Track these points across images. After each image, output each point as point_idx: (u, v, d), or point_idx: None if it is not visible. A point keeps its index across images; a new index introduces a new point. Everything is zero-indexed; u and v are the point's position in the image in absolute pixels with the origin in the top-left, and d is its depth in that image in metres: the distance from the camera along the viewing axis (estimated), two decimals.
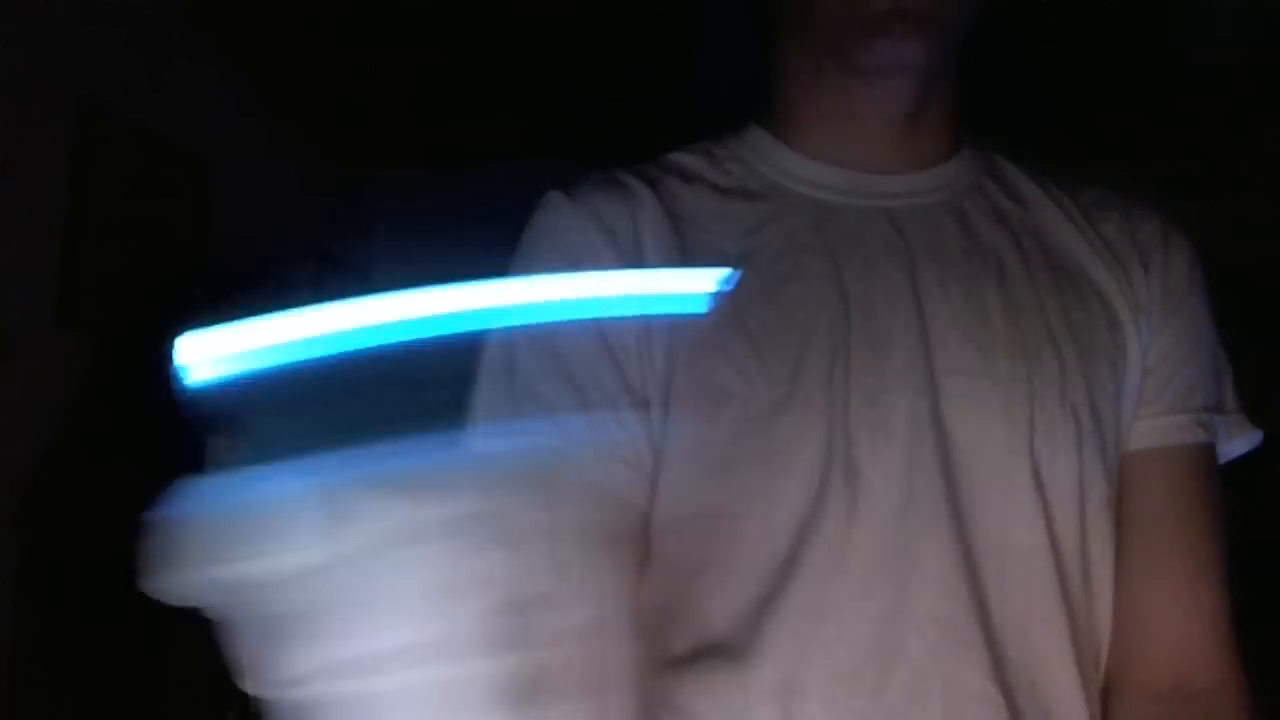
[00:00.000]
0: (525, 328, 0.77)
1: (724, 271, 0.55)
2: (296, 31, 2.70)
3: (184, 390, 0.46)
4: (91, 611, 2.28)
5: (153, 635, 2.49)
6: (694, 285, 0.54)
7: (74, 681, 2.23)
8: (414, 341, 0.48)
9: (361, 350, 0.47)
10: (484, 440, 0.49)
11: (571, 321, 0.76)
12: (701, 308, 0.52)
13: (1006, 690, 0.71)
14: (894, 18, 0.74)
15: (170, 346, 0.45)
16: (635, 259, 0.76)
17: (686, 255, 0.77)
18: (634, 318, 0.75)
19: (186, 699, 2.53)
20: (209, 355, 0.46)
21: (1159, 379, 0.79)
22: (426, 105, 3.16)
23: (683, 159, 0.84)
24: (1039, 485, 0.74)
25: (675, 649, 0.71)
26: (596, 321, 0.75)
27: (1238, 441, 0.81)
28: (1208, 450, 0.80)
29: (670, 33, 2.50)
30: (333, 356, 0.48)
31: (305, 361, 0.47)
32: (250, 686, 0.43)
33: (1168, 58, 2.63)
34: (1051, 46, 2.61)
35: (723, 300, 0.76)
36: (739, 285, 0.75)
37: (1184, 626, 0.76)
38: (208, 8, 2.59)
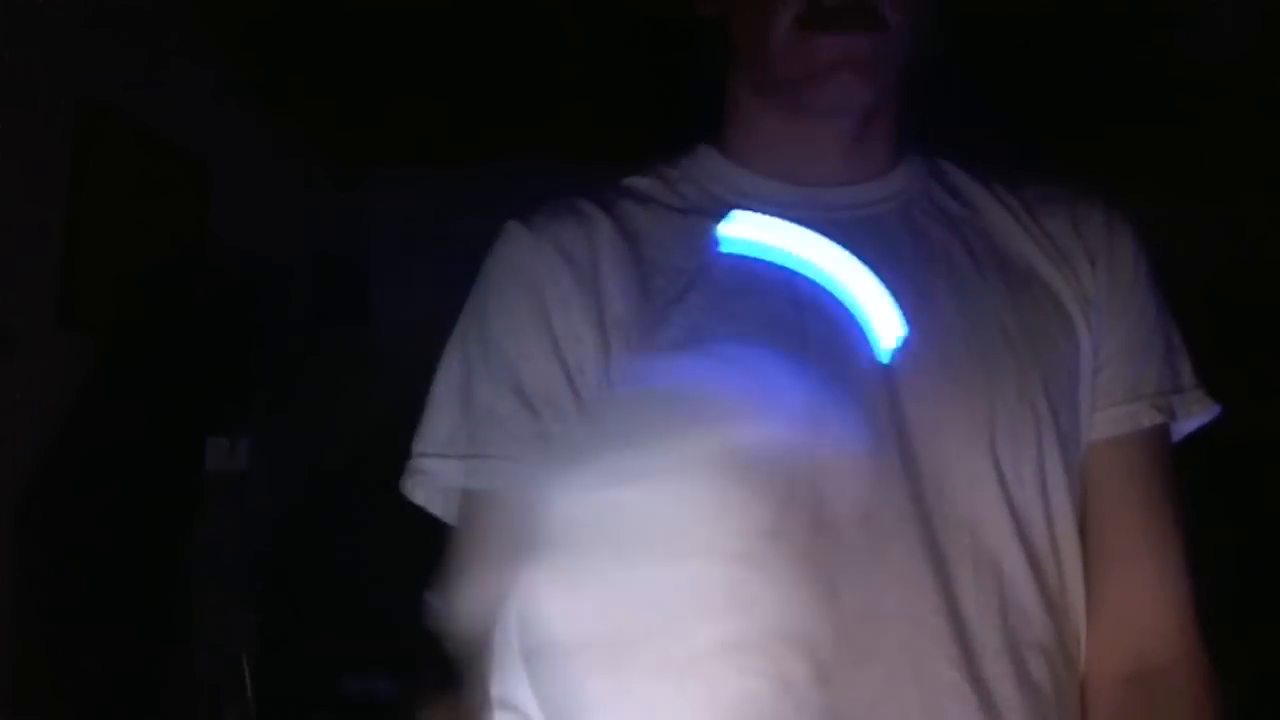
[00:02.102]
0: (483, 349, 0.78)
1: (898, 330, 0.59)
2: (296, 31, 2.70)
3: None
4: (91, 611, 2.28)
5: (153, 635, 2.50)
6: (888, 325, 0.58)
7: (74, 681, 2.23)
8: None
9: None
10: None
11: (531, 345, 0.77)
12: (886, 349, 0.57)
13: (981, 681, 0.72)
14: (842, 66, 0.75)
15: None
16: (592, 282, 0.78)
17: (644, 276, 0.78)
18: (592, 343, 0.76)
19: (186, 699, 2.53)
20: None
21: (1114, 370, 0.80)
22: (427, 105, 3.16)
23: (637, 182, 0.86)
24: (1001, 480, 0.75)
25: None
26: (556, 345, 0.76)
27: (1198, 416, 0.82)
28: (1163, 432, 0.82)
29: (667, 33, 2.50)
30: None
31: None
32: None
33: (1167, 58, 2.63)
34: (1049, 49, 2.61)
35: (679, 317, 0.77)
36: (696, 303, 0.76)
37: (1145, 609, 0.78)
38: (208, 8, 2.60)
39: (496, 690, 0.48)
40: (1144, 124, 2.85)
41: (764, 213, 0.81)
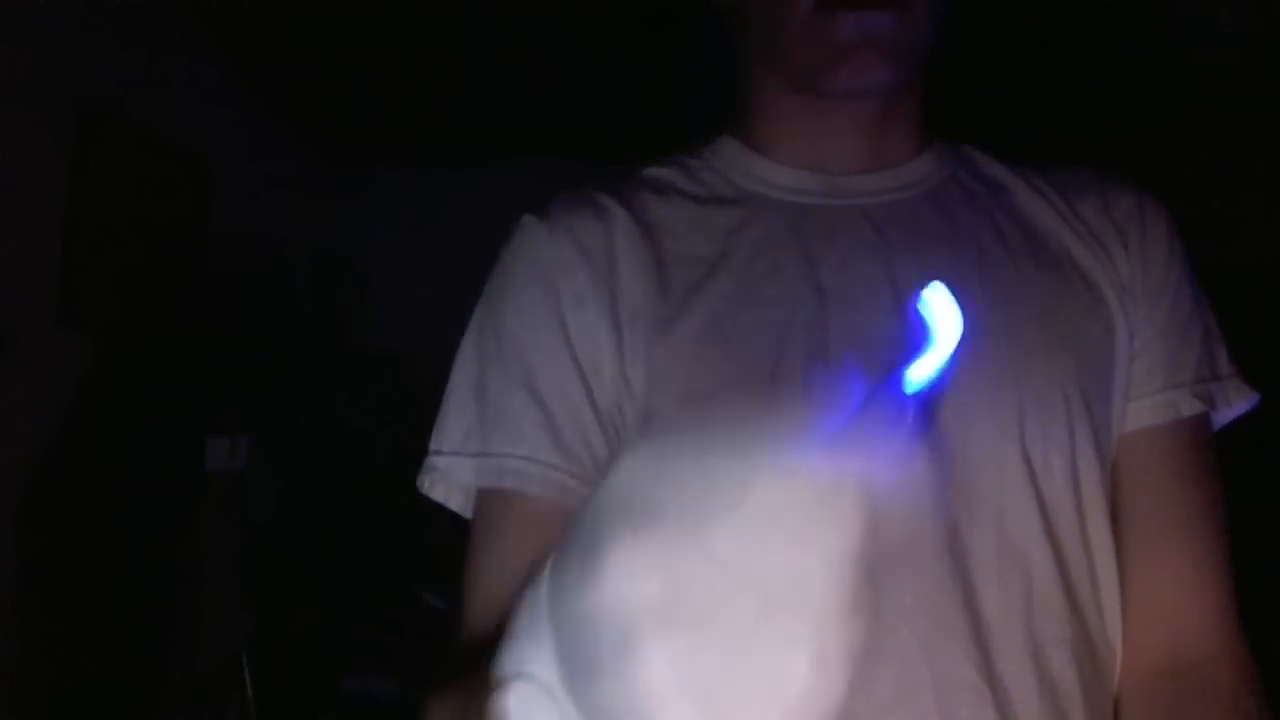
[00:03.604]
0: (497, 345, 0.78)
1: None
2: (296, 31, 2.70)
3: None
4: (91, 611, 2.28)
5: (153, 635, 2.50)
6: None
7: (74, 680, 2.23)
8: None
9: None
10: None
11: (545, 342, 0.76)
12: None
13: (997, 680, 0.71)
14: (863, 45, 0.74)
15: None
16: (608, 277, 0.77)
17: (661, 265, 0.77)
18: (607, 339, 0.75)
19: (187, 699, 2.53)
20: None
21: (1151, 356, 0.78)
22: (426, 105, 3.16)
23: (656, 171, 0.84)
24: (1030, 471, 0.73)
25: None
26: (570, 342, 0.75)
27: (1237, 405, 0.81)
28: (1204, 420, 0.79)
29: (666, 31, 2.50)
30: None
31: None
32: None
33: (1171, 56, 2.63)
34: (1053, 46, 2.61)
35: (698, 306, 0.76)
36: (715, 290, 0.75)
37: (1185, 602, 0.76)
38: (208, 8, 2.60)
39: (510, 662, 0.48)
40: (1143, 124, 2.85)
41: (787, 200, 0.80)
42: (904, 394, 0.51)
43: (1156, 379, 0.78)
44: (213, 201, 2.79)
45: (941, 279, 0.78)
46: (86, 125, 2.29)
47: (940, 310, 0.54)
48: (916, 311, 0.53)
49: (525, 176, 2.25)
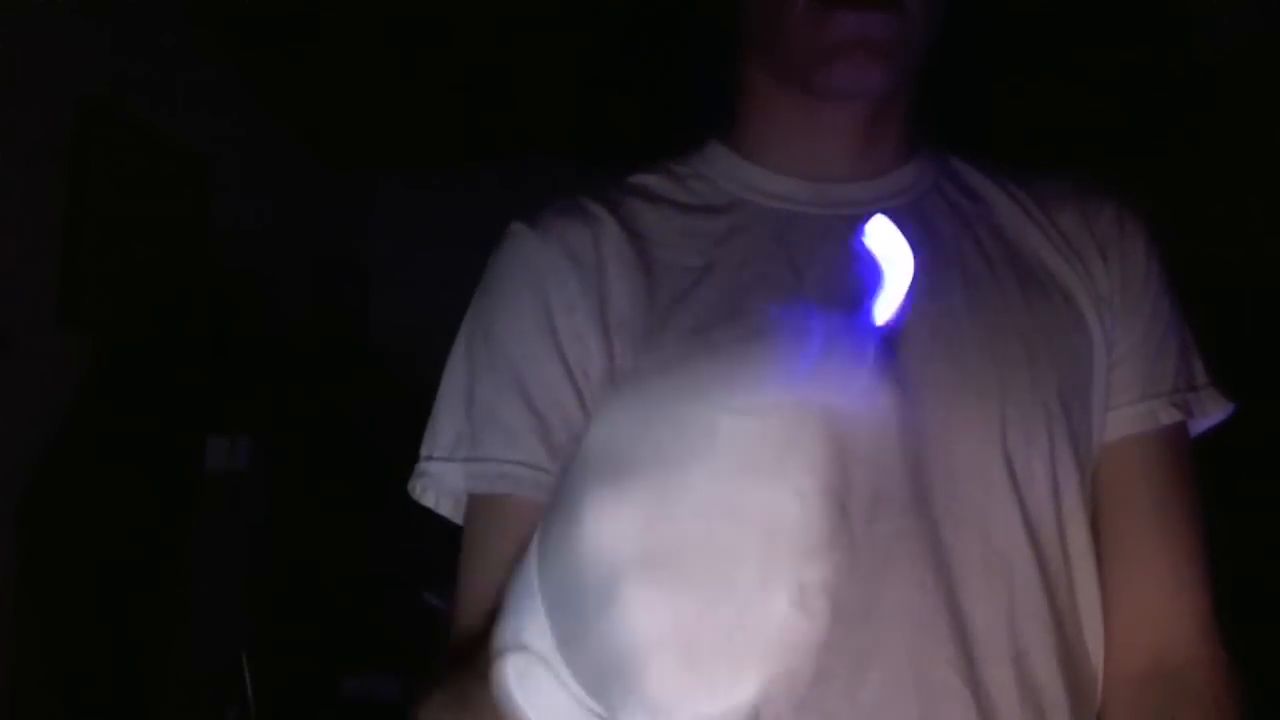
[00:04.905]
0: (488, 351, 0.78)
1: None
2: (297, 31, 2.70)
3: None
4: (91, 611, 2.28)
5: (153, 635, 2.50)
6: None
7: (74, 681, 2.23)
8: None
9: None
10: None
11: (536, 348, 0.76)
12: None
13: (980, 686, 0.71)
14: (857, 45, 0.74)
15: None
16: (598, 284, 0.77)
17: (650, 274, 0.77)
18: (596, 346, 0.75)
19: (186, 699, 2.53)
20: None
21: (1130, 367, 0.79)
22: (428, 105, 3.16)
23: (644, 179, 0.85)
24: (1013, 479, 0.74)
25: None
26: (560, 348, 0.75)
27: (1213, 414, 0.82)
28: (1181, 429, 0.81)
29: (665, 30, 2.51)
30: None
31: None
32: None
33: (1182, 54, 2.63)
34: (1050, 47, 2.61)
35: (684, 314, 0.76)
36: (701, 299, 0.76)
37: (1166, 608, 0.77)
38: (208, 7, 2.60)
39: (505, 635, 0.48)
40: (1140, 124, 2.85)
41: (774, 208, 0.81)
42: (865, 330, 0.52)
43: (1135, 389, 0.79)
44: (213, 201, 2.79)
45: (925, 291, 0.79)
46: (86, 124, 2.29)
47: (889, 244, 0.55)
48: (865, 248, 0.54)
49: (525, 177, 2.25)
